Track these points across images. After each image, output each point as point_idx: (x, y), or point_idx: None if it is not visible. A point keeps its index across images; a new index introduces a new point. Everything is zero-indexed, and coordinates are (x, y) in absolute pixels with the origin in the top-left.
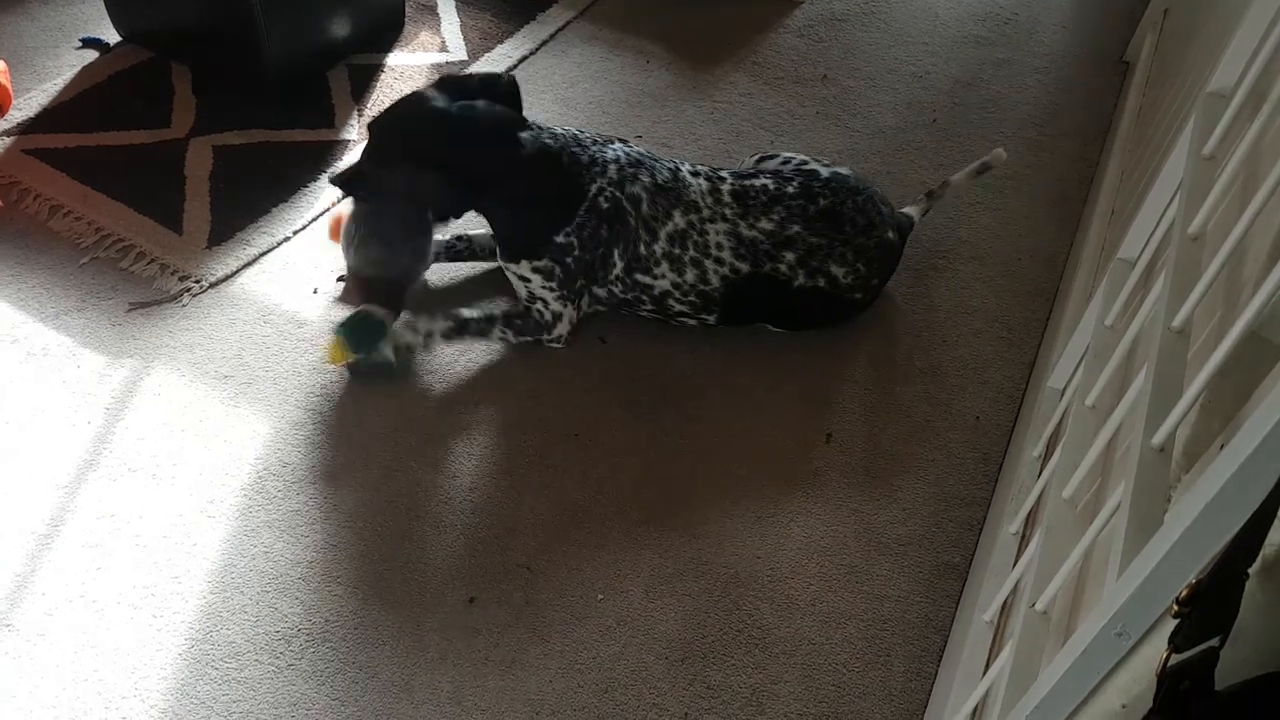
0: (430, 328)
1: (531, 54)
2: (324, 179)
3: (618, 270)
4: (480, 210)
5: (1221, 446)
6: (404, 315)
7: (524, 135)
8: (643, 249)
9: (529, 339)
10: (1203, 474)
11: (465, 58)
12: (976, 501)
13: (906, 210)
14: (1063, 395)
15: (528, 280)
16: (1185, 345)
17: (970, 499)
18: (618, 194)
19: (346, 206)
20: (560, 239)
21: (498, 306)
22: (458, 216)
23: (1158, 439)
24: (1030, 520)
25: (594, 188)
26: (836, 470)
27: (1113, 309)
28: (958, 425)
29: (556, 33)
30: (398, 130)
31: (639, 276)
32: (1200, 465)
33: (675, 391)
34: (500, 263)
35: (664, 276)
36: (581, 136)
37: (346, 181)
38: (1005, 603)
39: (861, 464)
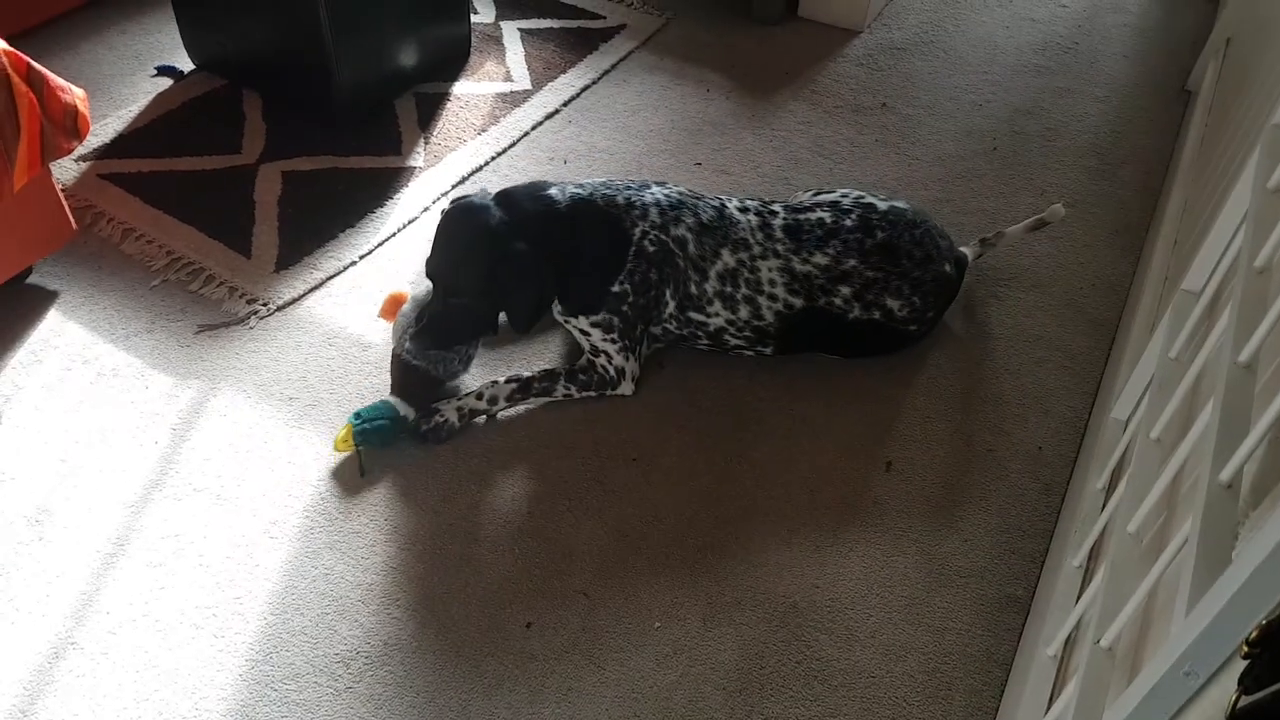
0: (494, 393)
1: (594, 83)
2: (389, 205)
3: (671, 309)
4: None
5: None
6: (464, 396)
7: (553, 191)
8: (693, 288)
9: (593, 394)
10: (1272, 511)
11: (529, 87)
12: (1039, 533)
13: (962, 249)
14: (1126, 427)
15: (588, 334)
16: (1252, 380)
17: (1032, 530)
18: (662, 236)
19: (406, 287)
20: (615, 288)
21: (559, 365)
22: (535, 320)
23: (1225, 475)
24: (1094, 554)
25: (637, 231)
26: (897, 499)
27: (1177, 341)
28: (1019, 455)
29: (618, 62)
30: (462, 268)
31: (692, 314)
32: (1269, 502)
33: (733, 417)
34: (559, 318)
35: (717, 314)
36: (611, 182)
37: (433, 333)
38: (1069, 638)
39: (922, 493)
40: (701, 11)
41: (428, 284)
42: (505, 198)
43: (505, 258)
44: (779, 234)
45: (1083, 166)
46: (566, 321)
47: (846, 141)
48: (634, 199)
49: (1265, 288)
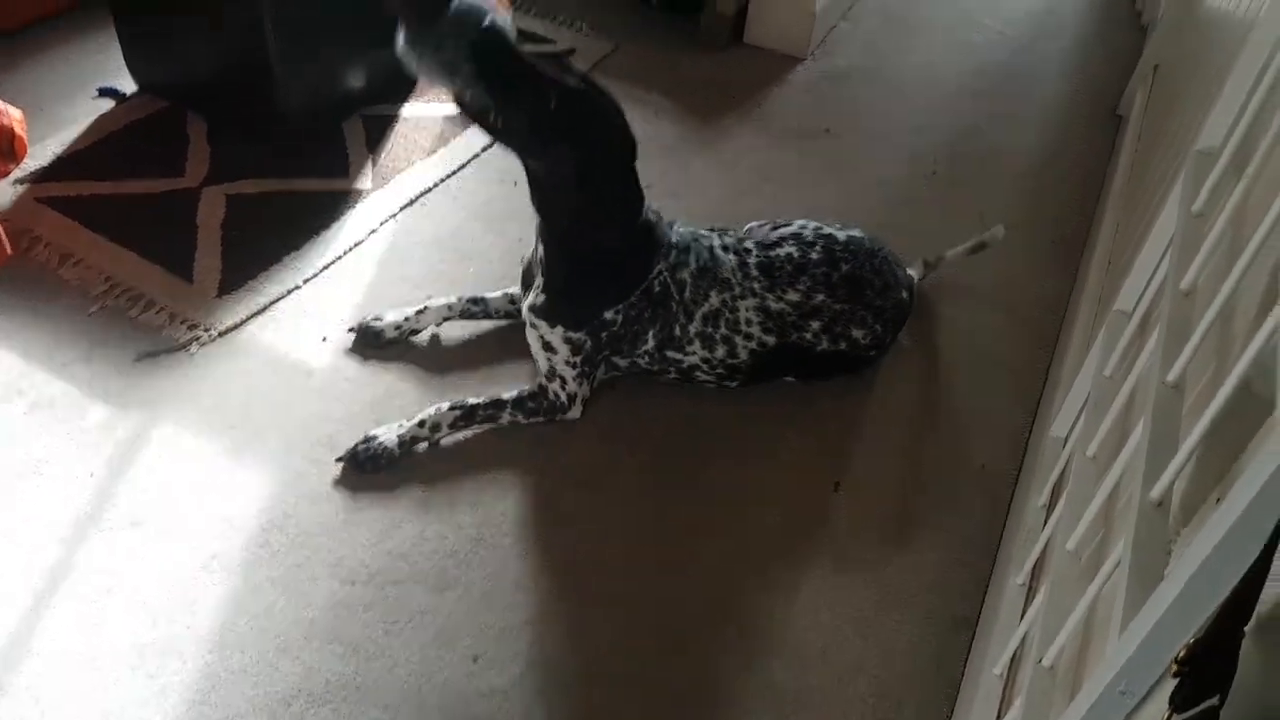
0: (436, 419)
1: None
2: (335, 228)
3: (648, 347)
4: (548, 238)
5: (1218, 500)
6: (404, 423)
7: (650, 206)
8: (678, 331)
9: (540, 420)
10: (1199, 530)
11: None
12: (985, 551)
13: (909, 271)
14: (1065, 444)
15: (553, 351)
16: (1180, 399)
17: (979, 548)
18: (668, 278)
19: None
20: (609, 315)
21: (506, 390)
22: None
23: (1155, 493)
24: (1036, 572)
25: (655, 269)
26: (845, 519)
27: (1111, 359)
28: (965, 473)
29: None
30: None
31: (670, 353)
32: (1198, 519)
33: (682, 439)
34: (527, 317)
35: (695, 353)
36: (659, 214)
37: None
38: (1014, 656)
39: (870, 513)
40: (649, 37)
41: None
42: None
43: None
44: (755, 272)
45: (1020, 188)
46: (534, 325)
47: (792, 166)
48: (665, 238)
49: (1190, 309)
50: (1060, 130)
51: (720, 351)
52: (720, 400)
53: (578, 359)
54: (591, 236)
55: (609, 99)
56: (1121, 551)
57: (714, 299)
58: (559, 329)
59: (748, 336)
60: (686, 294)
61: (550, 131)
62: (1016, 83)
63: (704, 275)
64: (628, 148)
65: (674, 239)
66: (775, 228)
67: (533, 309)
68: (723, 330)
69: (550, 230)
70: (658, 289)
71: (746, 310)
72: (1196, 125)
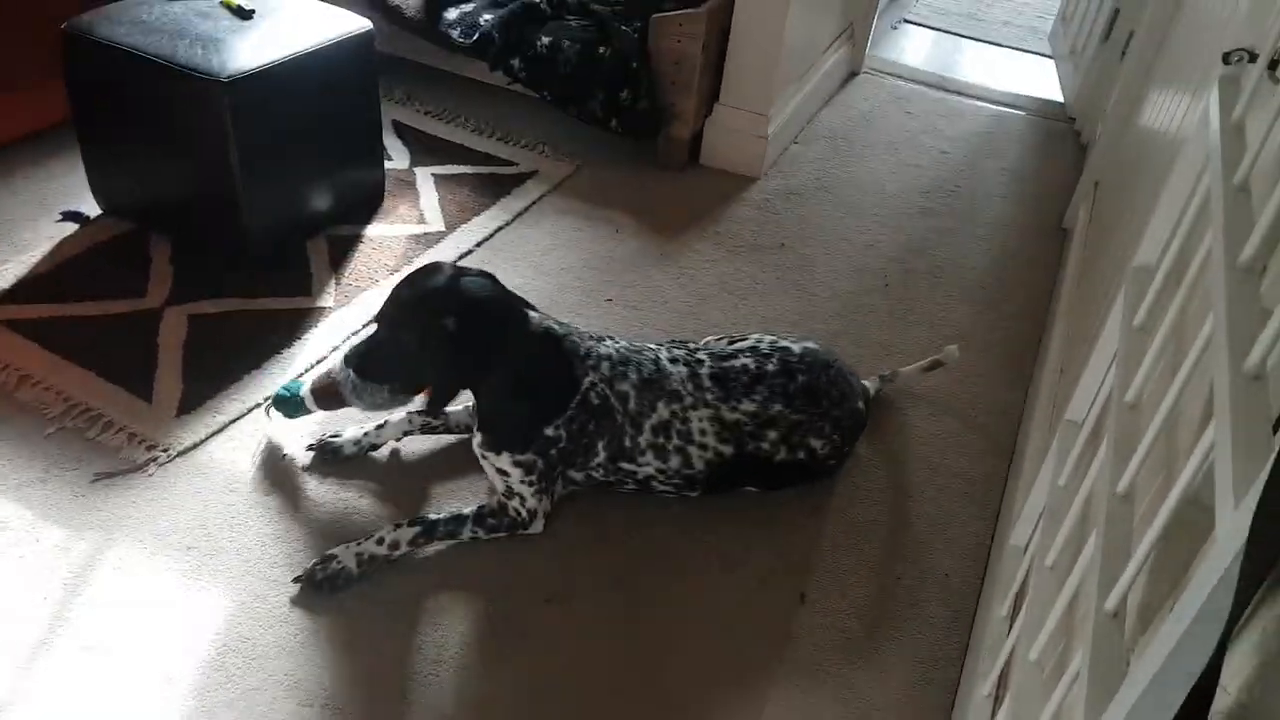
0: (396, 537)
1: (506, 225)
2: (297, 345)
3: (600, 459)
4: (474, 390)
5: (1171, 609)
6: (362, 541)
7: (533, 314)
8: (627, 441)
9: (502, 535)
10: (1152, 641)
11: (443, 228)
12: (951, 661)
13: (864, 382)
14: (1025, 553)
15: (506, 474)
16: (1131, 509)
17: (945, 658)
18: (607, 390)
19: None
20: (550, 431)
21: (467, 505)
22: (446, 402)
23: (1110, 604)
24: (1002, 681)
25: (586, 381)
26: (812, 632)
27: (1065, 469)
28: (928, 583)
29: (530, 206)
30: (418, 300)
31: (623, 464)
32: (1153, 629)
33: (646, 552)
34: (477, 450)
35: (648, 464)
36: (577, 329)
37: (360, 359)
38: None
39: (836, 625)
40: (610, 159)
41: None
42: (479, 280)
43: (441, 332)
44: (707, 383)
45: (971, 300)
46: (484, 457)
47: (749, 278)
48: (591, 349)
49: (1137, 422)
50: (1007, 245)
51: (674, 461)
52: (683, 512)
53: (532, 477)
54: (496, 373)
55: (422, 303)
56: (1080, 662)
57: (662, 410)
58: (505, 455)
59: (703, 446)
60: (631, 405)
61: (412, 368)
62: (963, 200)
63: (649, 387)
64: (463, 311)
65: (604, 350)
66: (731, 341)
67: (479, 445)
68: (675, 441)
69: (472, 386)
70: (596, 401)
71: (700, 420)
72: (1136, 239)
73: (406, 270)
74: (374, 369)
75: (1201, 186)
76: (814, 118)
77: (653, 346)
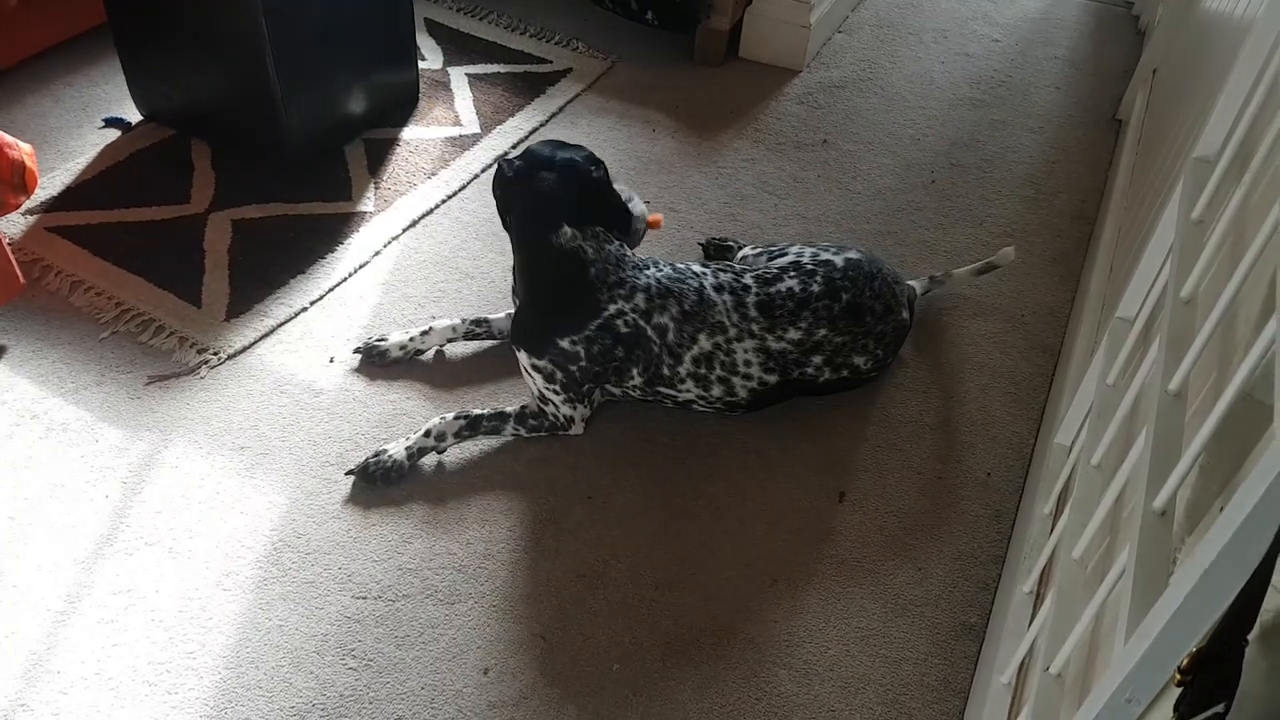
0: (442, 429)
1: (542, 125)
2: (340, 250)
3: (636, 382)
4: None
5: (1221, 509)
6: (410, 435)
7: (566, 229)
8: (666, 370)
9: (543, 434)
10: (1202, 538)
11: (478, 130)
12: (991, 560)
13: (911, 283)
14: (1070, 452)
15: (531, 376)
16: (1182, 408)
17: (985, 557)
18: (642, 323)
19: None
20: (565, 345)
21: (511, 405)
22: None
23: (1158, 502)
24: (1044, 579)
25: (612, 308)
26: (850, 531)
27: (1114, 368)
28: (969, 482)
29: (566, 105)
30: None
31: (661, 389)
32: (1202, 528)
33: (687, 453)
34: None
35: (688, 391)
36: (625, 259)
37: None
38: (1022, 664)
39: (875, 524)
40: (645, 55)
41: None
42: (552, 181)
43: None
44: (753, 312)
45: (1019, 196)
46: (516, 351)
47: (790, 177)
48: (626, 279)
49: (1192, 317)
50: (1059, 138)
51: (717, 390)
52: (722, 416)
53: (555, 386)
54: (521, 264)
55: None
56: (1126, 560)
57: (704, 342)
58: (523, 354)
59: (747, 376)
60: (670, 338)
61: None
62: (1014, 90)
63: (690, 320)
64: (532, 209)
65: (642, 281)
66: (771, 257)
67: (509, 334)
68: (718, 372)
69: (514, 262)
70: (624, 329)
71: (745, 352)
72: (1196, 130)
73: (443, 173)
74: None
75: (1271, 69)
76: (859, 5)
77: (697, 270)
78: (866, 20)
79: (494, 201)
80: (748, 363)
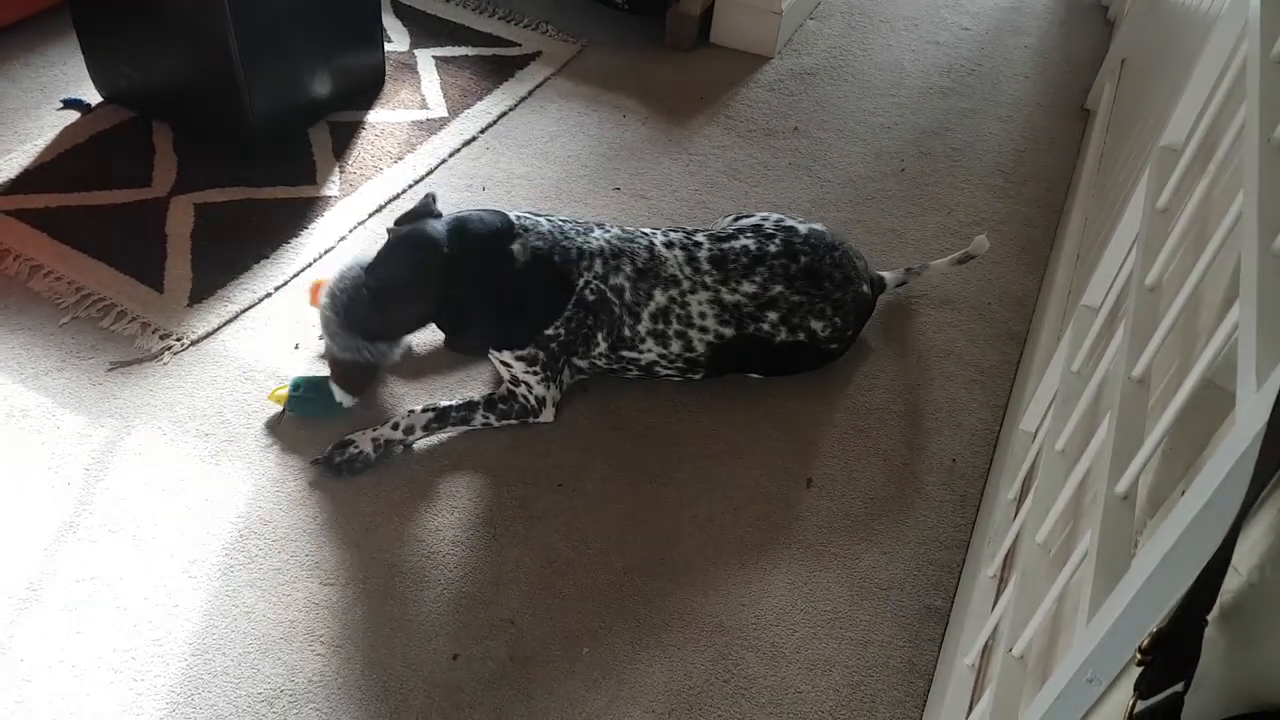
0: (410, 422)
1: (511, 110)
2: (305, 235)
3: (601, 349)
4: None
5: (1183, 493)
6: (378, 426)
7: (515, 248)
8: (626, 331)
9: (513, 422)
10: (1164, 521)
11: (445, 114)
12: (956, 544)
13: (884, 274)
14: (1034, 438)
15: (510, 366)
16: (1145, 394)
17: (950, 541)
18: (602, 285)
19: (326, 272)
20: (549, 331)
21: (478, 392)
22: (458, 338)
23: (1121, 487)
24: (1007, 563)
25: (581, 282)
26: (818, 515)
27: (1079, 355)
28: (935, 468)
29: (535, 89)
30: (402, 278)
31: (624, 353)
32: (1164, 512)
33: (657, 439)
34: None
35: (650, 350)
36: (566, 227)
37: (370, 337)
38: (985, 646)
39: (842, 509)
40: (616, 39)
41: (344, 263)
42: (460, 235)
43: (449, 306)
44: (705, 265)
45: (988, 185)
46: (490, 356)
47: (760, 165)
48: (583, 247)
49: (1156, 305)
50: (1028, 127)
51: (675, 346)
52: (693, 401)
53: (535, 367)
54: (491, 297)
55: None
56: (1089, 543)
57: (659, 297)
58: (507, 353)
59: (703, 330)
60: (627, 296)
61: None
62: (984, 79)
63: (644, 276)
64: (436, 260)
65: (594, 245)
66: (737, 219)
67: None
68: (675, 326)
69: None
70: (591, 297)
71: (700, 304)
72: (1162, 120)
73: (410, 158)
74: (376, 328)
75: (1236, 61)
76: None
77: (646, 231)
78: (838, 6)
79: (423, 291)
80: (703, 315)
